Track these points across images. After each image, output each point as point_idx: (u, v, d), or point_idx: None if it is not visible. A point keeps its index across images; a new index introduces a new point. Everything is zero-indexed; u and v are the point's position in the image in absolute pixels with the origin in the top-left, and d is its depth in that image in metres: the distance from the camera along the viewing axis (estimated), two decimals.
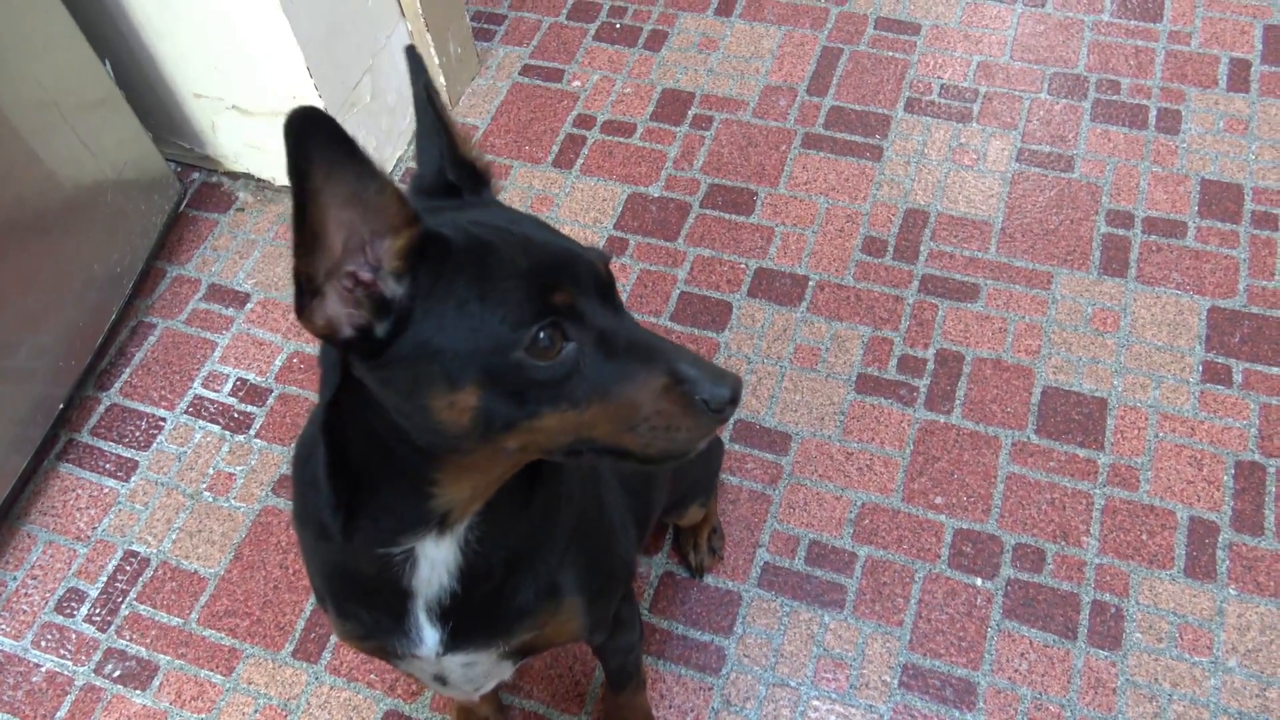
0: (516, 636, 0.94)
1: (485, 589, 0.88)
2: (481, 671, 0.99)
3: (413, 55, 0.81)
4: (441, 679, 0.99)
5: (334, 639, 1.55)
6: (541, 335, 0.68)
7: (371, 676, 1.52)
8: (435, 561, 0.83)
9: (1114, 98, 2.10)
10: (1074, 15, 2.25)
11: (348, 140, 0.61)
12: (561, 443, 0.72)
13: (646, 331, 0.75)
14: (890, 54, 2.22)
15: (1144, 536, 1.57)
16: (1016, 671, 1.47)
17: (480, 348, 0.67)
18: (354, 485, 0.79)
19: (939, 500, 1.62)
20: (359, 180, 0.63)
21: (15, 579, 1.66)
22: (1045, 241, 1.90)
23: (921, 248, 1.91)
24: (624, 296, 1.87)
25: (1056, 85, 2.13)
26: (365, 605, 0.91)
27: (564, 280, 0.70)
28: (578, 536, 0.95)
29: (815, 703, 1.46)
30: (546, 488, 0.88)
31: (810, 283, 1.88)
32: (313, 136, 0.60)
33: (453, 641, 0.90)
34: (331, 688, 1.52)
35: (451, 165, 0.79)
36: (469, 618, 0.89)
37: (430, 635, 0.89)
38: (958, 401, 1.72)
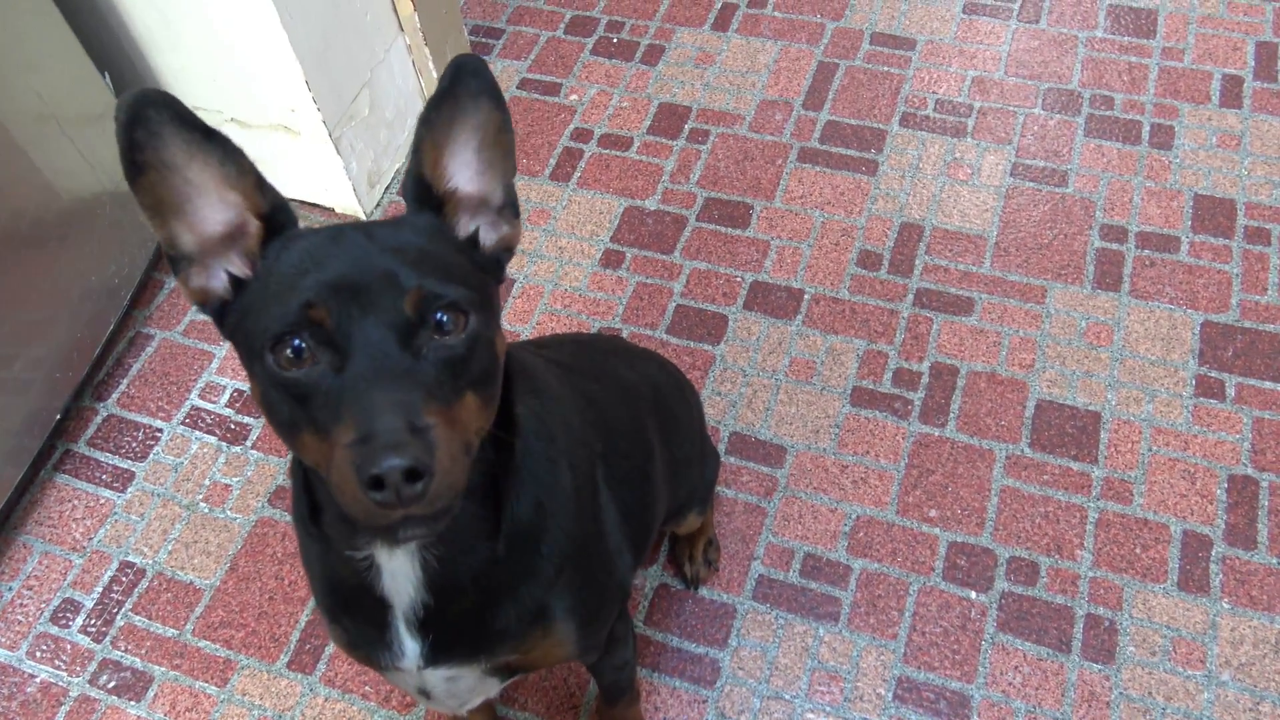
0: (499, 656, 0.94)
1: (461, 606, 0.87)
2: (465, 687, 0.98)
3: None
4: (425, 692, 0.99)
5: (329, 650, 1.56)
6: (286, 341, 0.67)
7: (366, 689, 1.52)
8: (395, 572, 0.83)
9: (1108, 113, 2.11)
10: (1068, 31, 2.26)
11: (203, 127, 0.70)
12: (327, 469, 0.67)
13: (403, 370, 0.67)
14: (885, 69, 2.24)
15: (1137, 550, 1.57)
16: (1010, 685, 1.47)
17: (256, 339, 0.70)
18: (309, 478, 0.82)
19: (933, 513, 1.63)
20: (220, 158, 0.71)
21: (11, 589, 1.66)
22: (1039, 256, 1.91)
23: (916, 261, 1.92)
24: (620, 309, 1.88)
25: (1051, 100, 2.15)
26: (350, 613, 0.92)
27: (334, 297, 0.67)
28: (574, 562, 0.94)
29: (810, 715, 1.46)
30: (518, 519, 0.86)
31: (806, 296, 1.89)
32: (168, 116, 0.69)
33: (433, 655, 0.90)
34: (326, 699, 1.52)
35: (413, 181, 0.78)
36: (448, 633, 0.89)
37: (411, 647, 0.89)
38: (952, 415, 1.73)
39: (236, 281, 0.75)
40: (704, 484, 1.46)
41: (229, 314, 0.75)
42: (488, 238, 0.81)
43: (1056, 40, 2.25)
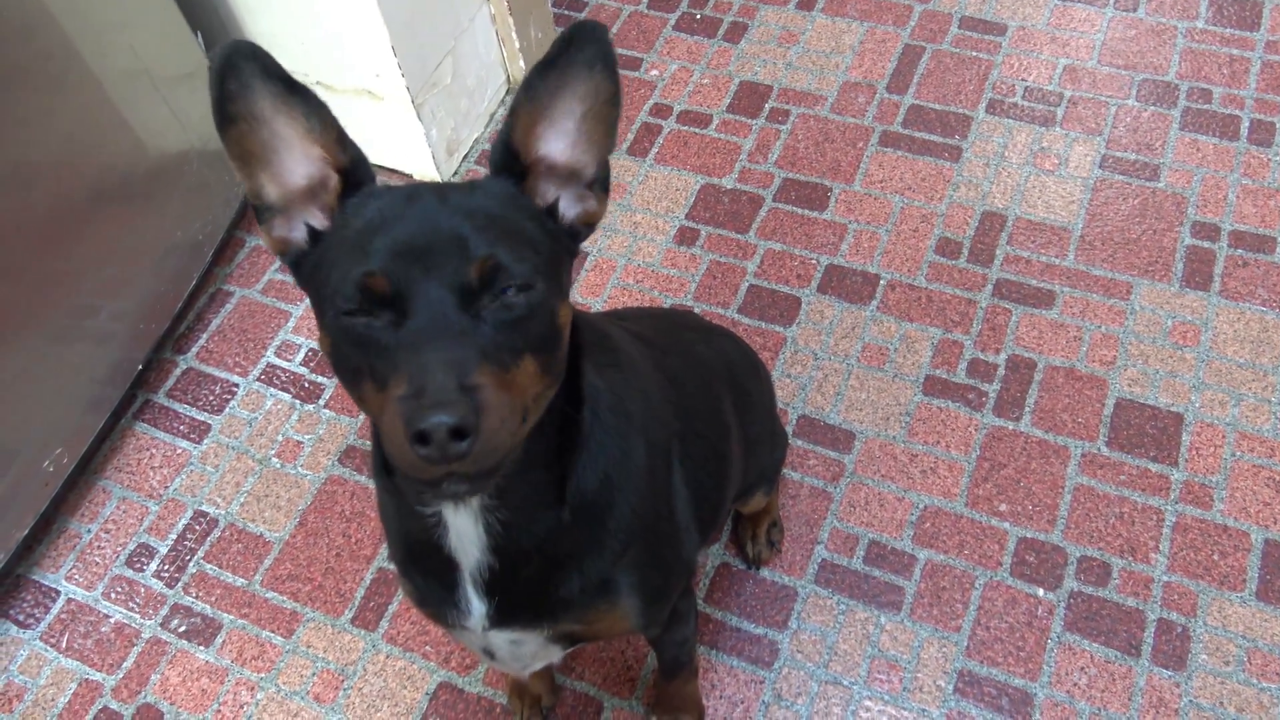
0: (562, 624, 0.94)
1: (526, 573, 0.88)
2: (528, 651, 0.99)
3: None
4: (489, 653, 1.00)
5: (392, 608, 1.58)
6: (355, 294, 0.68)
7: (427, 648, 1.54)
8: (460, 531, 0.84)
9: (1205, 107, 2.04)
10: (1167, 21, 2.19)
11: (288, 78, 0.72)
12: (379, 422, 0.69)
13: (459, 330, 0.67)
14: (974, 54, 2.19)
15: (1215, 557, 1.53)
16: (1075, 685, 1.44)
17: (325, 292, 0.72)
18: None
19: (1003, 508, 1.60)
20: (305, 112, 0.73)
21: (90, 531, 1.71)
22: (1126, 251, 1.86)
23: (997, 251, 1.88)
24: (692, 287, 1.87)
25: (1145, 92, 2.08)
26: (423, 570, 0.93)
27: (398, 261, 0.68)
28: (641, 538, 0.94)
29: (867, 703, 1.45)
30: (584, 491, 0.87)
31: (881, 281, 1.86)
32: (258, 69, 0.70)
33: (498, 617, 0.91)
34: (388, 656, 1.54)
35: (501, 146, 0.77)
36: (513, 598, 0.90)
37: (477, 607, 0.90)
38: (1027, 409, 1.69)
39: (314, 233, 0.77)
40: (772, 464, 1.45)
41: (305, 263, 0.77)
42: (569, 210, 0.80)
43: (1154, 30, 2.18)
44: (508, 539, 0.84)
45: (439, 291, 0.67)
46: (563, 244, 0.79)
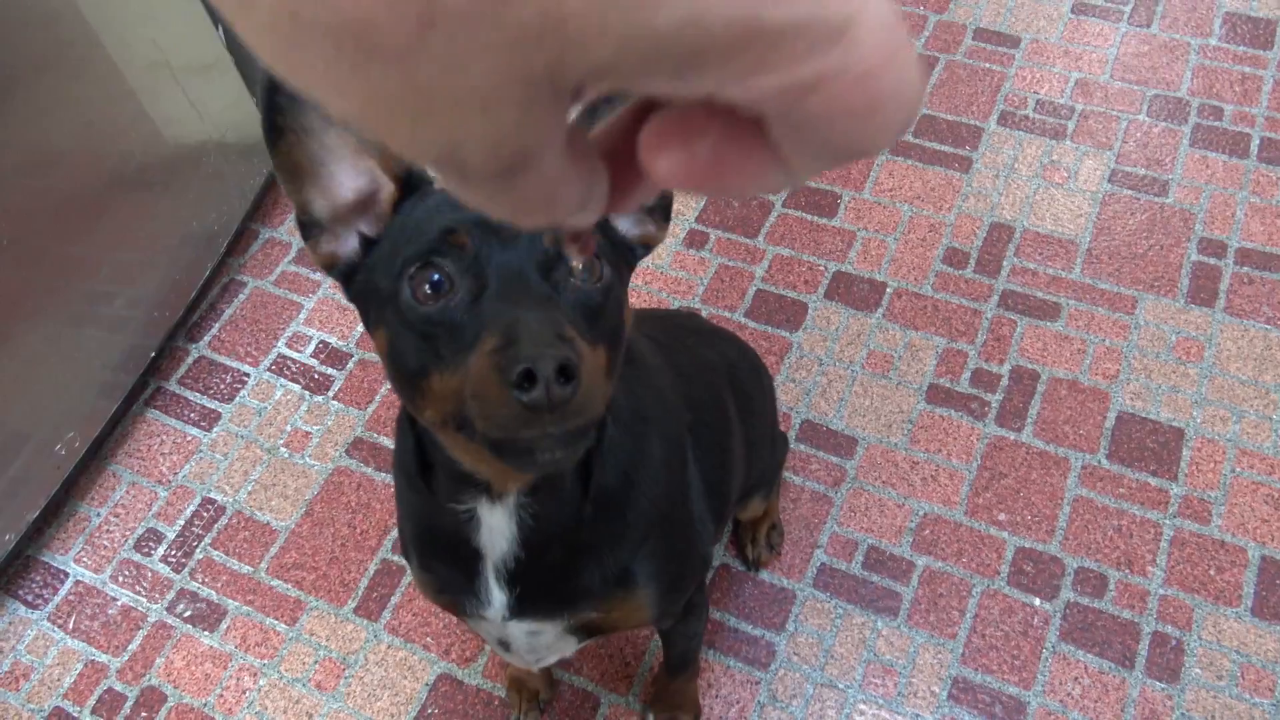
0: (581, 614, 0.96)
1: (549, 561, 0.90)
2: (545, 643, 1.01)
3: None
4: (505, 644, 1.02)
5: (395, 599, 1.60)
6: (423, 270, 0.66)
7: (428, 639, 1.56)
8: (493, 527, 0.86)
9: (1216, 124, 2.05)
10: (1180, 37, 2.20)
11: None
12: (455, 413, 0.65)
13: (544, 295, 0.65)
14: (987, 65, 2.20)
15: (1212, 571, 1.54)
16: (1069, 695, 1.45)
17: (389, 283, 0.69)
18: (421, 445, 0.84)
19: (1003, 517, 1.61)
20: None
21: (99, 514, 1.73)
22: (1132, 265, 1.87)
23: (1004, 263, 1.89)
24: (700, 289, 1.89)
25: (1157, 107, 2.09)
26: (443, 560, 0.94)
27: (475, 227, 0.66)
28: (659, 529, 0.96)
29: (862, 706, 1.47)
30: (605, 485, 0.88)
31: (888, 289, 1.88)
32: None
33: (519, 607, 0.93)
34: (389, 646, 1.56)
35: None
36: (535, 587, 0.91)
37: (498, 597, 0.92)
38: (1029, 420, 1.70)
39: (366, 242, 0.75)
40: (771, 468, 1.47)
41: (357, 273, 0.75)
42: (630, 230, 0.79)
43: (1168, 46, 2.19)
44: (537, 531, 0.86)
45: (518, 260, 0.65)
46: (622, 254, 0.78)
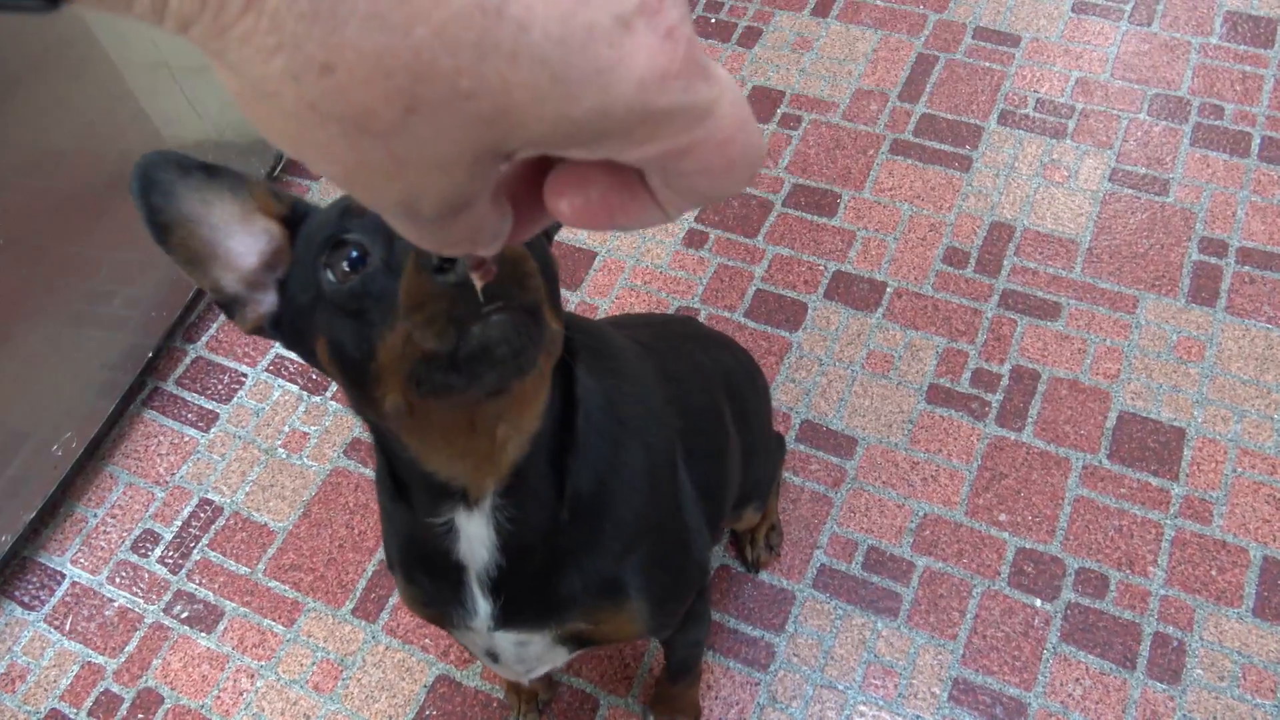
0: (568, 623, 0.95)
1: (530, 569, 0.89)
2: (534, 653, 1.00)
3: None
4: (494, 655, 1.00)
5: (393, 600, 1.59)
6: (336, 250, 0.66)
7: (426, 641, 1.56)
8: (472, 535, 0.85)
9: (1217, 123, 2.04)
10: (1181, 36, 2.19)
11: (204, 166, 0.71)
12: (408, 369, 0.64)
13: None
14: (987, 64, 2.20)
15: (1213, 572, 1.53)
16: (1070, 696, 1.45)
17: (310, 290, 0.69)
18: (391, 460, 0.83)
19: (1003, 517, 1.60)
20: (233, 191, 0.72)
21: (96, 515, 1.73)
22: (1133, 264, 1.87)
23: (1005, 262, 1.89)
24: (700, 290, 1.89)
25: (1157, 106, 2.09)
26: (428, 573, 0.94)
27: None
28: (648, 539, 0.95)
29: (862, 707, 1.46)
30: (580, 492, 0.87)
31: (888, 289, 1.87)
32: (174, 174, 0.70)
33: (504, 617, 0.92)
34: (387, 648, 1.56)
35: None
36: (519, 595, 0.91)
37: (483, 607, 0.91)
38: (1030, 420, 1.70)
39: (281, 287, 0.75)
40: (766, 478, 1.45)
41: (283, 317, 0.75)
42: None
43: (1168, 45, 2.19)
44: (515, 537, 0.85)
45: None
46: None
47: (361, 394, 0.70)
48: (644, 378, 1.02)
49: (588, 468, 0.87)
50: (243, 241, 0.74)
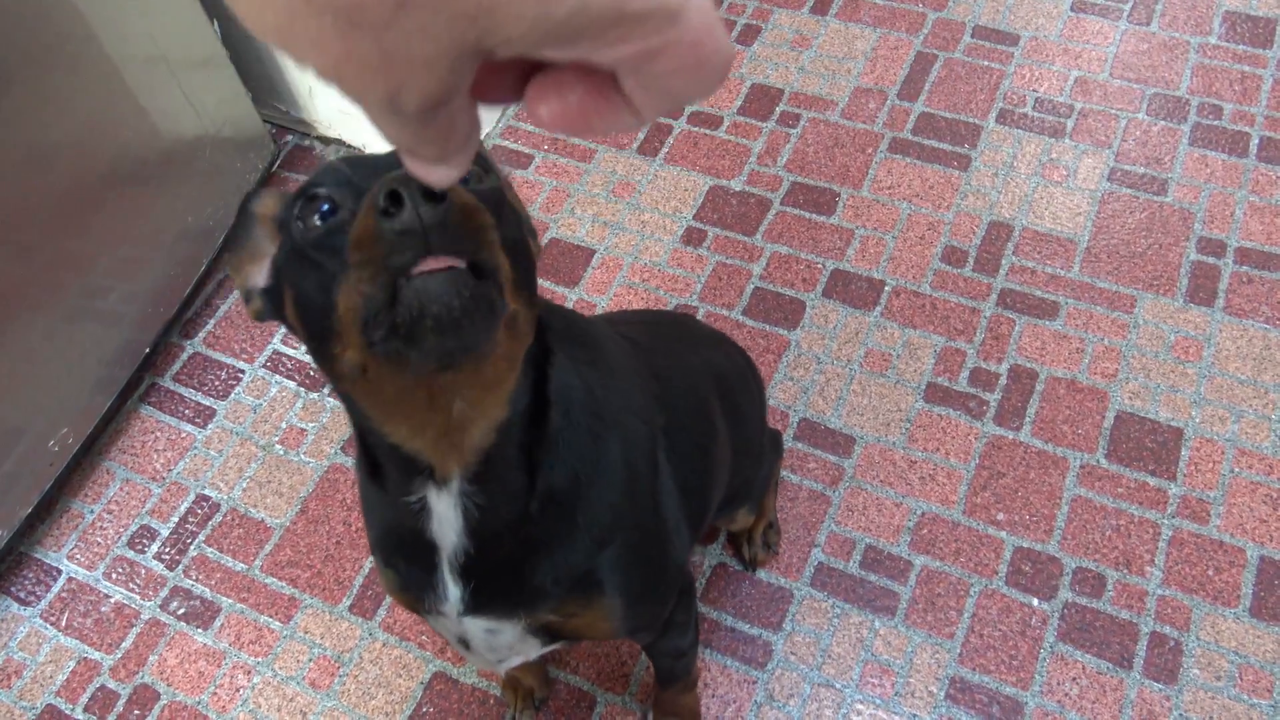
0: (538, 614, 0.94)
1: (500, 556, 0.88)
2: (504, 642, 0.99)
3: None
4: (464, 642, 1.00)
5: (389, 599, 1.59)
6: (309, 203, 0.66)
7: (423, 638, 1.55)
8: (441, 516, 0.84)
9: (1215, 123, 2.05)
10: (1180, 36, 2.19)
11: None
12: (362, 317, 0.61)
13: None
14: (986, 63, 2.19)
15: (1210, 572, 1.53)
16: (1067, 695, 1.45)
17: (286, 245, 0.72)
18: (363, 435, 0.83)
19: (1001, 516, 1.61)
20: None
21: (92, 511, 1.73)
22: (1131, 264, 1.87)
23: (1003, 261, 1.89)
24: (698, 287, 1.88)
25: (1156, 106, 2.09)
26: (404, 556, 0.93)
27: (345, 159, 0.69)
28: (623, 536, 0.94)
29: (859, 706, 1.46)
30: (552, 486, 0.86)
31: (886, 288, 1.87)
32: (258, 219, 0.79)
33: (474, 603, 0.91)
34: (384, 644, 1.55)
35: None
36: (488, 582, 0.90)
37: (453, 592, 0.91)
38: (1028, 419, 1.70)
39: (273, 263, 0.79)
40: (759, 480, 1.44)
41: (270, 288, 0.79)
42: None
43: (1167, 44, 2.19)
44: (483, 523, 0.85)
45: (395, 167, 0.63)
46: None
47: (321, 350, 0.69)
48: (628, 373, 1.01)
49: (561, 464, 0.86)
50: (265, 239, 0.80)
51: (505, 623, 0.95)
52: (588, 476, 0.90)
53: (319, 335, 0.68)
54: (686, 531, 1.07)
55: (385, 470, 0.84)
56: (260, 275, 0.80)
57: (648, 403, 1.01)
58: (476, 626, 0.96)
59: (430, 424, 0.73)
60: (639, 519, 0.97)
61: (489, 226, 0.60)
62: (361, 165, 0.69)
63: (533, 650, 1.04)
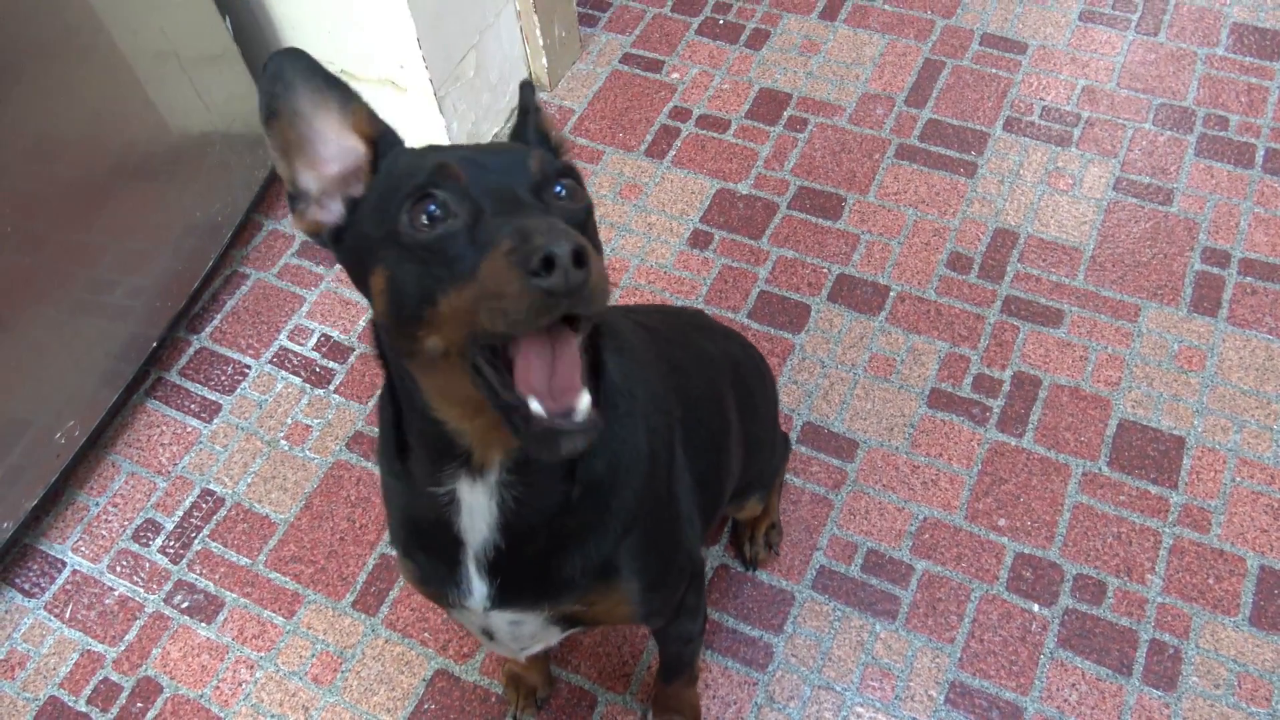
0: (563, 605, 0.96)
1: (530, 551, 0.89)
2: (528, 632, 1.00)
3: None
4: (489, 633, 1.01)
5: (393, 594, 1.60)
6: (420, 201, 0.70)
7: (425, 635, 1.56)
8: (474, 509, 0.85)
9: (1221, 134, 2.05)
10: (1187, 46, 2.20)
11: (327, 74, 0.78)
12: (465, 329, 0.67)
13: (540, 210, 0.70)
14: (994, 71, 2.20)
15: (1210, 580, 1.54)
16: (1066, 701, 1.45)
17: (385, 225, 0.73)
18: (399, 420, 0.84)
19: (1002, 522, 1.61)
20: (340, 103, 0.79)
21: (98, 504, 1.73)
22: (1135, 273, 1.87)
23: (1008, 268, 1.89)
24: (704, 290, 1.89)
25: (1162, 116, 2.09)
26: (425, 550, 0.94)
27: (465, 163, 0.72)
28: (643, 522, 0.95)
29: (859, 709, 1.46)
30: (593, 471, 0.88)
31: (891, 293, 1.88)
32: (301, 69, 0.77)
33: (500, 597, 0.92)
34: (387, 641, 1.56)
35: (535, 129, 0.86)
36: (516, 577, 0.91)
37: (479, 588, 0.92)
38: (1030, 425, 1.70)
39: (352, 204, 0.80)
40: (770, 469, 1.46)
41: (345, 233, 0.80)
42: None
43: (1174, 55, 2.19)
44: (518, 516, 0.85)
45: (509, 184, 0.71)
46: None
47: (401, 330, 0.73)
48: (649, 360, 1.03)
49: (603, 449, 0.88)
50: (332, 149, 0.80)
51: (530, 614, 0.96)
52: (624, 461, 0.92)
53: (405, 318, 0.72)
54: (699, 520, 1.08)
55: (414, 457, 0.85)
56: (328, 198, 0.80)
57: (666, 393, 1.02)
58: (501, 619, 0.97)
59: (486, 409, 0.74)
60: (656, 506, 0.98)
61: (608, 290, 0.67)
62: (473, 166, 0.72)
63: (554, 637, 1.06)
